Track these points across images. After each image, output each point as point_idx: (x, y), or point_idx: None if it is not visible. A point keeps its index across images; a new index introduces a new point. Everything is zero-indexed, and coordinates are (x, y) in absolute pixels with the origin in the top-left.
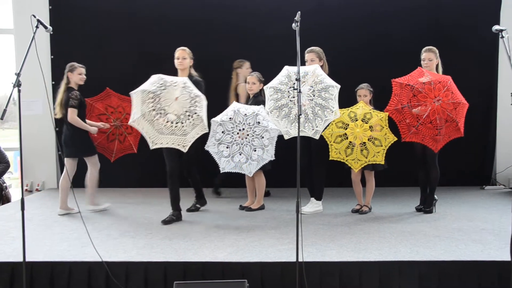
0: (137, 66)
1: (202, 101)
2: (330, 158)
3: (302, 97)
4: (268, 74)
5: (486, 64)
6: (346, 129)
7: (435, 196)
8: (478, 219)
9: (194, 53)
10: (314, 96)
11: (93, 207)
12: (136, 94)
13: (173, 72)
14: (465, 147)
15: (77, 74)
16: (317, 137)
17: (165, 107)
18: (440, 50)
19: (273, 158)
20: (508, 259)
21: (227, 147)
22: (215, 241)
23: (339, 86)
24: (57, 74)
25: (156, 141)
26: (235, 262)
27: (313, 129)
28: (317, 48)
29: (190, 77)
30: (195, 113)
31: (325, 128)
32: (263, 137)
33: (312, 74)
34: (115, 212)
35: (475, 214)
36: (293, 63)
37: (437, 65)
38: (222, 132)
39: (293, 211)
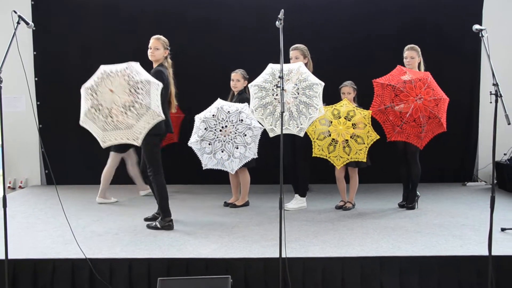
0: (121, 58)
1: (150, 87)
2: (313, 155)
3: (287, 95)
4: (253, 72)
5: (469, 63)
6: (330, 126)
7: (418, 192)
8: (459, 215)
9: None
10: (298, 94)
11: (103, 200)
12: (82, 92)
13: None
14: (447, 144)
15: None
16: (301, 134)
17: (102, 101)
18: (424, 48)
19: (255, 156)
20: (486, 254)
21: (209, 144)
22: (199, 238)
23: (323, 84)
24: (40, 71)
25: (105, 139)
26: (219, 258)
27: (297, 127)
28: (301, 46)
29: (158, 67)
30: (136, 101)
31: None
32: (245, 135)
33: (296, 71)
34: (100, 209)
35: (457, 210)
36: (279, 61)
37: (419, 63)
38: (205, 128)
39: (277, 208)
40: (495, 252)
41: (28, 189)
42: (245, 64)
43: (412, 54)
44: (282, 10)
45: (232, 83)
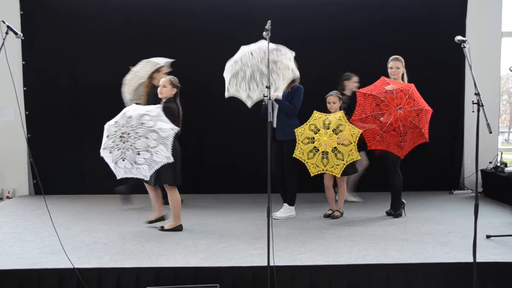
0: (110, 72)
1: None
2: (294, 155)
3: (254, 59)
4: None
5: (454, 73)
6: (316, 133)
7: (403, 200)
8: (446, 222)
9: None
10: (261, 62)
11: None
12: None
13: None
14: (434, 152)
15: (352, 82)
16: (248, 104)
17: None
18: (409, 60)
19: (170, 160)
20: (471, 260)
21: (110, 152)
22: (188, 247)
23: (297, 74)
24: (28, 80)
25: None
26: (208, 267)
27: (245, 91)
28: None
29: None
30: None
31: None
32: (147, 138)
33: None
34: (88, 219)
35: (443, 218)
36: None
37: (403, 74)
38: (107, 136)
39: (266, 216)
40: (480, 259)
41: (16, 199)
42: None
43: (397, 65)
44: (269, 21)
45: (158, 89)
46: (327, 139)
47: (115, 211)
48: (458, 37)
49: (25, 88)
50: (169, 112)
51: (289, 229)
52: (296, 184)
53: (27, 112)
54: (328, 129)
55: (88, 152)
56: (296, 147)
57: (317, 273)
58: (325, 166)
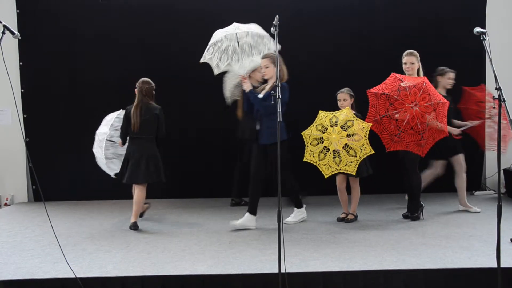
0: (111, 73)
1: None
2: (304, 159)
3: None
4: None
5: (474, 68)
6: (324, 133)
7: (422, 202)
8: (466, 225)
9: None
10: (247, 36)
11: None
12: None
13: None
14: None
15: (446, 79)
16: (215, 71)
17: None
18: (427, 54)
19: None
20: (495, 266)
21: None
22: (195, 254)
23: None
24: (26, 82)
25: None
26: (216, 275)
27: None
28: (271, 53)
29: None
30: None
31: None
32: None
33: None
34: (90, 226)
35: (464, 221)
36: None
37: (418, 69)
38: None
39: (276, 221)
40: (504, 264)
41: (15, 206)
42: None
43: (411, 60)
44: (277, 16)
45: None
46: (336, 137)
47: (119, 217)
48: (478, 29)
49: (22, 90)
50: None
51: (301, 234)
52: (295, 185)
53: (25, 115)
54: (336, 126)
55: (90, 156)
56: (306, 150)
57: (331, 280)
58: (338, 165)
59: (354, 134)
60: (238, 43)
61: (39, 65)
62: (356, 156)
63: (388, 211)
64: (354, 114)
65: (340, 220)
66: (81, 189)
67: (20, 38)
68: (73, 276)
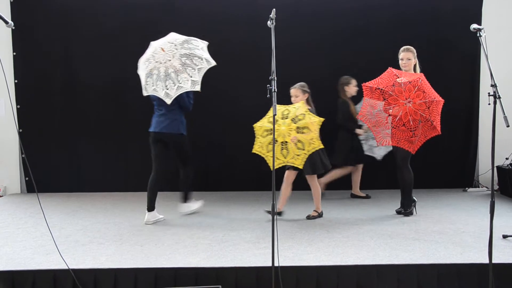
0: (106, 64)
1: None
2: (253, 151)
3: (166, 55)
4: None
5: (469, 65)
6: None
7: (414, 197)
8: (459, 221)
9: None
10: (173, 57)
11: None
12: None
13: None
14: (447, 148)
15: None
16: (167, 101)
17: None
18: (423, 50)
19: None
20: (487, 261)
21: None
22: (188, 247)
23: (213, 63)
24: (20, 72)
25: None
26: (209, 268)
27: (163, 90)
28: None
29: None
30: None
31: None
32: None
33: (187, 40)
34: (83, 218)
35: (457, 217)
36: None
37: (414, 65)
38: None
39: (270, 215)
40: (496, 260)
41: (7, 198)
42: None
43: (408, 56)
44: (274, 9)
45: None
46: (285, 129)
47: (112, 209)
48: (474, 25)
49: (16, 81)
50: None
51: (294, 228)
52: (189, 181)
53: (18, 106)
54: (286, 119)
55: (83, 147)
56: (255, 142)
57: (324, 274)
58: (285, 158)
59: (304, 128)
60: (175, 59)
61: (33, 56)
62: (304, 150)
63: (381, 206)
64: (309, 109)
65: (267, 211)
66: (74, 180)
67: (13, 27)
68: (66, 267)
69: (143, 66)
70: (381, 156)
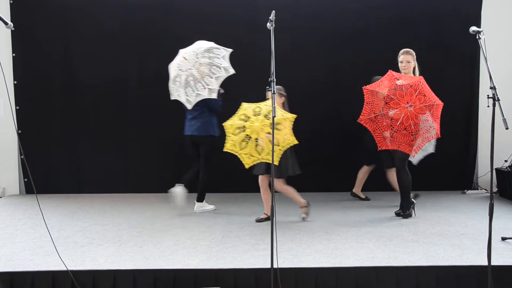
0: (105, 65)
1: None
2: (225, 149)
3: (189, 63)
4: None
5: (468, 67)
6: (247, 121)
7: (413, 200)
8: (458, 224)
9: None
10: (193, 66)
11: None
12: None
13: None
14: (446, 150)
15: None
16: (188, 106)
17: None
18: (422, 53)
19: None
20: (486, 264)
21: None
22: (188, 248)
23: (232, 71)
24: (19, 73)
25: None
26: (208, 269)
27: (184, 96)
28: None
29: None
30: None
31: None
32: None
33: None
34: (82, 219)
35: (455, 219)
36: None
37: (414, 68)
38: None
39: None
40: (495, 262)
41: (6, 199)
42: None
43: (408, 58)
44: (273, 11)
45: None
46: (259, 125)
47: (111, 210)
48: (473, 28)
49: (15, 82)
50: None
51: (293, 230)
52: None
53: (17, 107)
54: (258, 115)
55: (83, 148)
56: (226, 141)
57: (323, 276)
58: (260, 154)
59: (277, 124)
60: (195, 68)
61: (33, 56)
62: (278, 146)
63: (381, 208)
64: (281, 109)
65: (259, 221)
66: (73, 182)
67: (13, 28)
68: (65, 268)
69: (170, 72)
70: (417, 161)
